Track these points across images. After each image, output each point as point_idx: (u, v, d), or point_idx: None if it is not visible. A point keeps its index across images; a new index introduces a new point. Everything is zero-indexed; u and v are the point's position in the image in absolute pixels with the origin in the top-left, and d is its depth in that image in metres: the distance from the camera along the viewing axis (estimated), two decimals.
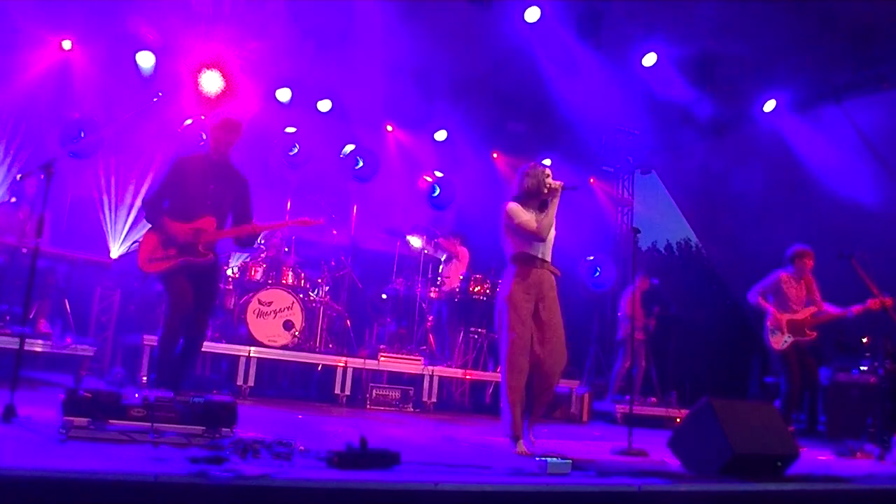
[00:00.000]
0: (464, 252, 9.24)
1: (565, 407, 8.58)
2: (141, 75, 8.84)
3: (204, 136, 4.91)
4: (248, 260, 8.12)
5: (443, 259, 9.39)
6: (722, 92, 9.47)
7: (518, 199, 4.85)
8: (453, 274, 9.07)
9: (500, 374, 4.79)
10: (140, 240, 4.91)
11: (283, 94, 9.78)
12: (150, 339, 6.76)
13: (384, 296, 9.12)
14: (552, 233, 4.82)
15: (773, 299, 6.78)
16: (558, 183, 4.82)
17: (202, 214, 4.79)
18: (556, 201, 4.80)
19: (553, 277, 4.86)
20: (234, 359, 7.18)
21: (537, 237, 4.74)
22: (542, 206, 4.84)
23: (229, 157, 4.97)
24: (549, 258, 4.86)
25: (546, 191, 4.80)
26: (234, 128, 4.93)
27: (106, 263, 7.30)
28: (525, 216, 4.75)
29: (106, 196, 8.68)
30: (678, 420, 7.59)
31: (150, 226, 4.87)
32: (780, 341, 6.64)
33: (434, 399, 7.84)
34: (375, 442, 3.35)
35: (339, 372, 7.46)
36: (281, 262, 8.07)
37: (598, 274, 11.12)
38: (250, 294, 7.53)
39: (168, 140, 8.81)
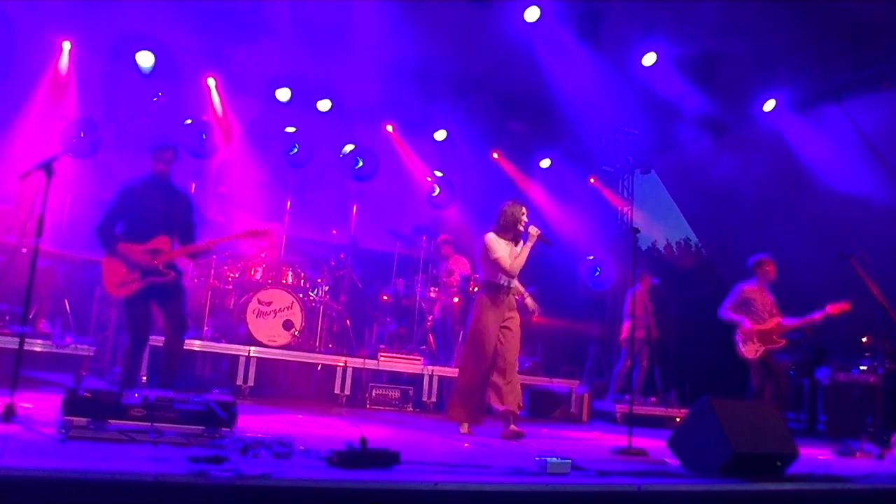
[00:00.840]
0: (461, 260, 9.20)
1: (565, 407, 8.57)
2: (141, 75, 8.85)
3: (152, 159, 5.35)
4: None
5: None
6: (722, 92, 9.46)
7: (496, 232, 5.56)
8: (454, 274, 9.06)
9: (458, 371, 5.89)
10: (102, 264, 5.17)
11: (283, 94, 9.78)
12: (150, 340, 6.75)
13: (385, 297, 9.12)
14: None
15: (742, 312, 7.02)
16: (536, 231, 5.51)
17: (156, 234, 5.19)
18: (530, 246, 5.51)
19: (514, 299, 5.68)
20: (234, 358, 7.18)
21: (508, 274, 5.50)
22: (514, 239, 5.56)
23: (170, 179, 5.39)
24: (514, 284, 5.63)
25: (521, 228, 5.53)
26: (171, 150, 5.37)
27: None
28: (502, 251, 5.48)
29: (106, 196, 8.66)
30: (678, 420, 7.59)
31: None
32: (753, 351, 6.95)
33: (434, 399, 7.84)
34: (375, 442, 3.35)
35: (339, 372, 7.46)
36: (280, 262, 8.09)
37: (597, 274, 11.09)
38: (250, 294, 7.54)
39: (168, 139, 8.81)
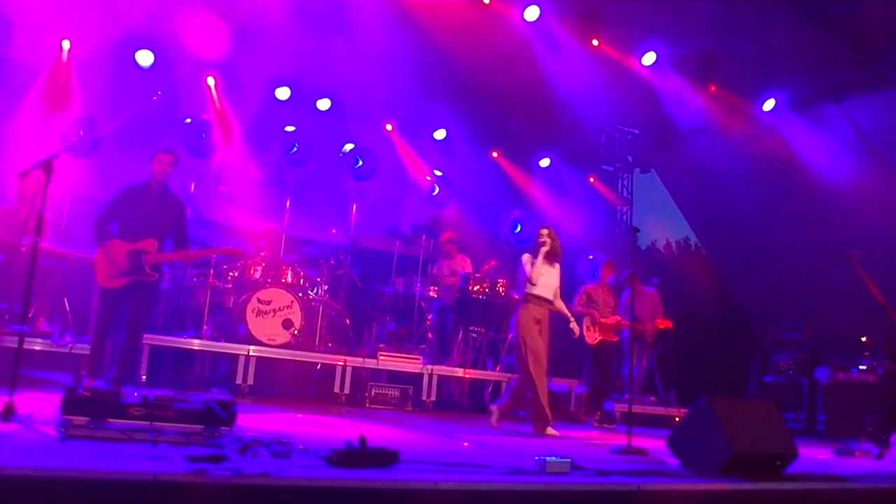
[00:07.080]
0: (464, 260, 9.17)
1: (564, 406, 8.57)
2: (141, 73, 8.84)
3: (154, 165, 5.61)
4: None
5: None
6: (722, 91, 9.47)
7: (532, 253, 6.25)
8: (456, 274, 9.05)
9: (523, 376, 6.16)
10: (95, 258, 5.52)
11: (283, 93, 9.78)
12: (150, 339, 6.77)
13: (384, 296, 9.11)
14: (550, 279, 6.27)
15: (590, 306, 8.10)
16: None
17: (145, 236, 5.50)
18: (540, 254, 6.19)
19: (548, 311, 6.31)
20: (234, 358, 7.18)
21: (530, 282, 6.18)
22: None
23: (168, 183, 5.66)
24: (548, 296, 6.29)
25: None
26: (172, 154, 5.60)
27: None
28: (528, 266, 6.20)
29: (106, 195, 8.65)
30: (677, 419, 7.58)
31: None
32: (593, 338, 7.97)
33: (433, 398, 7.84)
34: (374, 441, 3.35)
35: (339, 371, 7.46)
36: (280, 261, 8.09)
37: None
38: (249, 293, 7.53)
39: (168, 138, 8.81)
